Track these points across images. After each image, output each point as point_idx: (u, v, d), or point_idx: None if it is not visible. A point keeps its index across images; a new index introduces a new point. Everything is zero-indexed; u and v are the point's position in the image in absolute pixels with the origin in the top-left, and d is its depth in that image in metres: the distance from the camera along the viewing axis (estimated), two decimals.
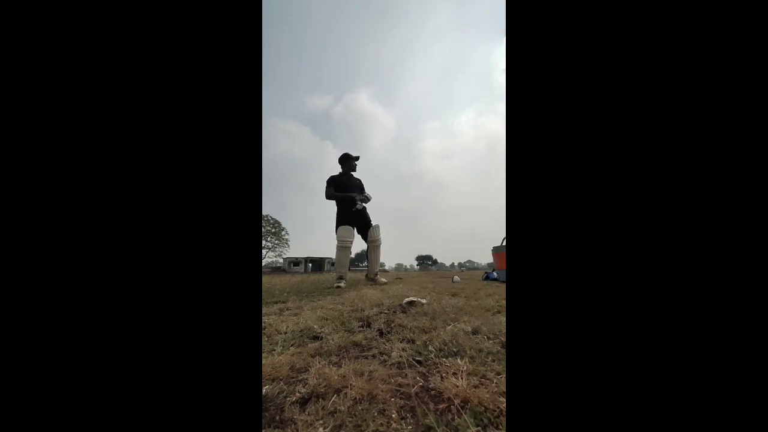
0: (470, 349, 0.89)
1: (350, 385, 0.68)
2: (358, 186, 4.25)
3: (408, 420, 0.57)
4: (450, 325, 1.21)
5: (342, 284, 3.54)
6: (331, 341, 1.01)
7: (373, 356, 0.87)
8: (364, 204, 4.03)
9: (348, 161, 4.19)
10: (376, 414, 0.58)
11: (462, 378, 0.70)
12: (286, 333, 1.14)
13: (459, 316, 1.42)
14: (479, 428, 0.55)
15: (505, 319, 1.35)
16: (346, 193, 4.02)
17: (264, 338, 1.09)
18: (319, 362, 0.82)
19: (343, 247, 3.78)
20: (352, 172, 4.24)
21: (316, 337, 1.09)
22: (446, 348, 0.92)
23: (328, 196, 3.99)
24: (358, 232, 4.05)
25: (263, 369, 0.79)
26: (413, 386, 0.68)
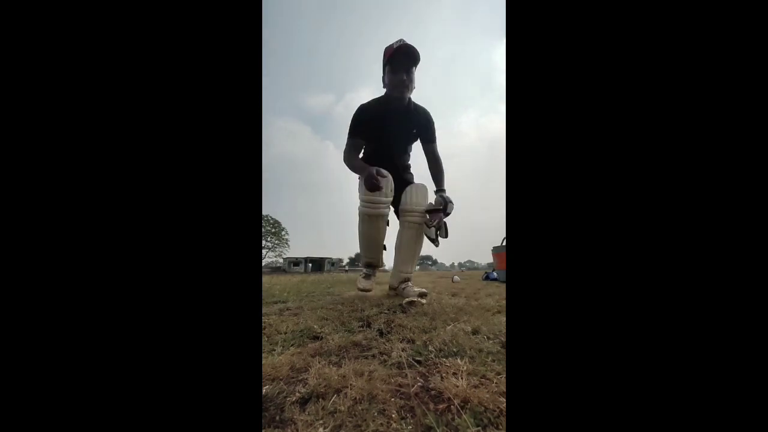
0: (470, 349, 0.90)
1: (350, 385, 0.68)
2: (412, 134, 1.97)
3: (408, 420, 0.57)
4: (450, 325, 1.21)
5: (368, 285, 2.13)
6: (331, 341, 1.01)
7: (373, 356, 0.87)
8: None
9: (387, 66, 1.82)
10: (375, 414, 0.58)
11: (462, 378, 0.70)
12: (286, 333, 1.14)
13: (459, 316, 1.42)
14: (479, 428, 0.55)
15: (504, 319, 1.32)
16: (376, 153, 1.98)
17: (264, 338, 1.09)
18: (319, 362, 0.82)
19: (372, 215, 1.86)
20: (401, 97, 1.84)
21: (316, 337, 1.09)
22: (446, 348, 0.92)
23: (345, 160, 1.89)
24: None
25: (263, 369, 0.79)
26: (413, 386, 0.68)
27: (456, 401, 0.61)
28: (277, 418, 0.60)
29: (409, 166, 2.11)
